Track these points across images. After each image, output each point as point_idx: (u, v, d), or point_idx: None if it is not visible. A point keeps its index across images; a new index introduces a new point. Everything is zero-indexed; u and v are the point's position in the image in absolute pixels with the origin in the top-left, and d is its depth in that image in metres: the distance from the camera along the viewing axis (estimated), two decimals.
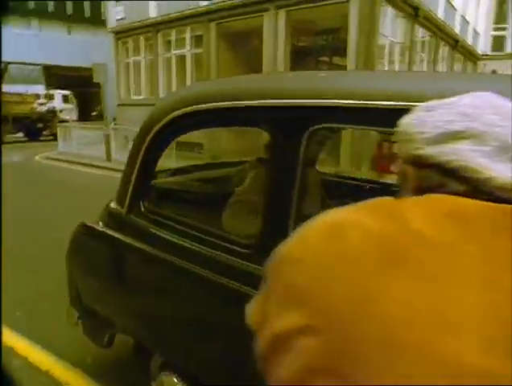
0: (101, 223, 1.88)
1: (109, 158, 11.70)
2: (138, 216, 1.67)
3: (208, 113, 1.37)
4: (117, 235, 1.73)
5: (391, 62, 11.98)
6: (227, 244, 1.37)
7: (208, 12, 12.48)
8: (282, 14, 11.21)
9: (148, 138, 1.58)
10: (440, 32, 13.82)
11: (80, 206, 6.10)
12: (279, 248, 0.70)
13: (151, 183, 1.68)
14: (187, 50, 13.65)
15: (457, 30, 15.17)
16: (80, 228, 1.91)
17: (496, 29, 18.70)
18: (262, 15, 11.43)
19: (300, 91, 1.18)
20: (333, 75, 1.36)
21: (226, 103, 1.30)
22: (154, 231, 1.60)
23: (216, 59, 12.84)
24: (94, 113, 23.95)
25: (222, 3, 11.96)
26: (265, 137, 1.30)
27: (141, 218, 1.66)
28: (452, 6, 14.80)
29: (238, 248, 1.34)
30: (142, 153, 1.61)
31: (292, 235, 0.69)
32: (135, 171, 1.64)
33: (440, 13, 13.60)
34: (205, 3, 12.49)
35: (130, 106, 15.19)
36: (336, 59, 13.80)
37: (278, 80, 1.33)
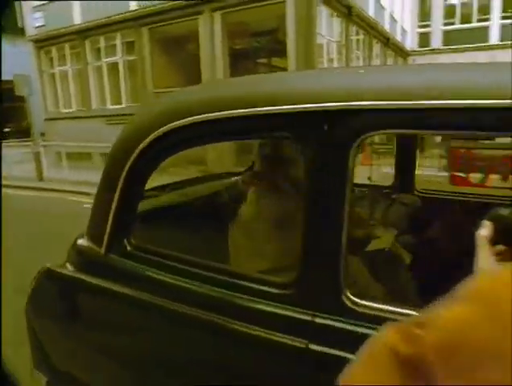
0: (69, 265, 1.54)
1: (40, 178, 10.83)
2: (122, 256, 1.36)
3: (220, 124, 1.11)
4: (93, 280, 1.41)
5: (330, 60, 12.25)
6: (252, 285, 1.12)
7: (138, 17, 11.98)
8: (217, 16, 11.02)
9: (132, 158, 1.28)
10: (373, 30, 14.39)
11: (21, 233, 5.44)
12: (441, 325, 0.47)
13: (138, 213, 1.39)
14: (119, 57, 13.02)
15: (387, 28, 15.90)
16: (43, 274, 1.56)
17: (421, 26, 19.95)
18: (197, 18, 11.17)
19: (349, 91, 0.97)
20: (378, 70, 1.16)
21: (249, 110, 1.05)
22: (146, 273, 1.30)
23: (151, 66, 12.36)
24: (7, 130, 21.74)
25: (153, 7, 11.52)
26: (297, 148, 1.07)
27: (127, 258, 1.35)
28: (381, 5, 15.49)
29: (270, 289, 1.09)
30: (123, 177, 1.30)
31: (457, 298, 0.48)
32: (116, 200, 1.33)
33: (371, 12, 14.17)
34: (134, 3, 11.96)
35: (60, 120, 14.21)
36: (276, 61, 13.90)
37: (320, 80, 1.10)
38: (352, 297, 1.01)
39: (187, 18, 11.26)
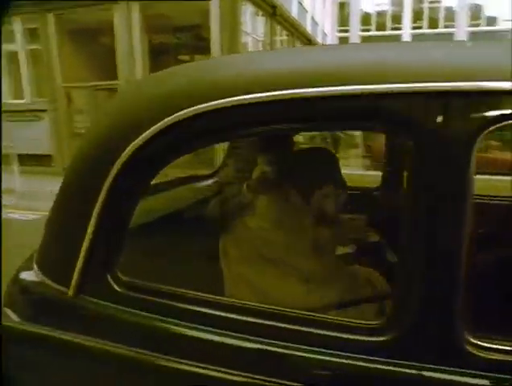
0: (11, 313, 1.08)
1: None
2: (105, 298, 0.96)
3: (267, 108, 0.80)
4: (57, 335, 0.99)
5: None
6: (324, 332, 0.81)
7: (41, 0, 10.79)
8: (135, 7, 10.38)
9: (119, 162, 0.89)
10: (296, 31, 14.69)
11: None
12: None
13: (128, 236, 0.99)
14: (20, 45, 11.64)
15: (309, 30, 16.37)
16: None
17: (340, 31, 21.04)
18: (112, 9, 10.39)
19: (470, 69, 0.75)
20: (497, 45, 0.92)
21: (316, 90, 0.76)
22: (150, 323, 0.92)
23: (59, 58, 11.23)
24: None
25: None
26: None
27: (113, 301, 0.95)
28: (304, 7, 15.90)
29: (352, 336, 0.79)
30: (106, 188, 0.92)
31: None
32: (93, 223, 0.93)
33: (294, 13, 14.45)
34: None
35: None
36: (199, 58, 13.53)
37: (430, 54, 0.84)
38: (473, 339, 0.75)
39: (100, 7, 10.43)
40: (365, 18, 20.58)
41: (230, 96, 0.82)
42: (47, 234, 1.08)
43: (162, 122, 0.87)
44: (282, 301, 1.14)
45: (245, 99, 0.82)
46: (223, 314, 0.87)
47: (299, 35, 15.22)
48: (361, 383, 0.80)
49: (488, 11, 24.52)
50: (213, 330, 0.86)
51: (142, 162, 0.91)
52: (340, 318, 0.83)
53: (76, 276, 0.98)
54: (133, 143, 0.89)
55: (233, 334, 0.85)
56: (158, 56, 11.81)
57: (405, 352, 0.78)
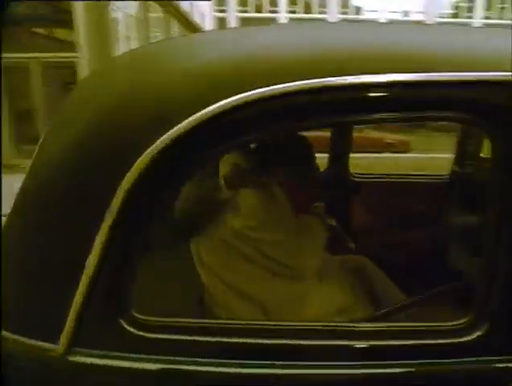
0: None
1: None
2: (118, 348, 0.71)
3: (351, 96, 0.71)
4: None
5: (127, 38, 11.60)
6: (391, 342, 0.76)
7: None
8: None
9: (142, 161, 0.67)
10: (172, 9, 14.27)
11: None
12: None
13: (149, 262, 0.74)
14: None
15: (186, 8, 16.02)
16: None
17: (217, 11, 21.24)
18: None
19: None
20: None
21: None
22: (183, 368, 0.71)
23: None
24: None
25: None
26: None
27: (123, 349, 0.71)
28: None
29: (428, 341, 0.77)
30: (120, 196, 0.68)
31: None
32: (98, 243, 0.68)
33: None
34: None
35: None
36: (59, 33, 12.33)
37: None
38: None
39: None
40: (243, 0, 21.29)
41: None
42: (4, 264, 0.78)
43: (213, 107, 0.67)
44: (280, 305, 1.10)
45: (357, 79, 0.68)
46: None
47: (176, 13, 14.82)
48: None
49: (355, 1, 27.53)
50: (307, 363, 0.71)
51: (176, 160, 0.69)
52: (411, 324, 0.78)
53: (68, 327, 0.71)
54: (165, 135, 0.67)
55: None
56: (8, 28, 10.43)
57: (495, 348, 0.75)
